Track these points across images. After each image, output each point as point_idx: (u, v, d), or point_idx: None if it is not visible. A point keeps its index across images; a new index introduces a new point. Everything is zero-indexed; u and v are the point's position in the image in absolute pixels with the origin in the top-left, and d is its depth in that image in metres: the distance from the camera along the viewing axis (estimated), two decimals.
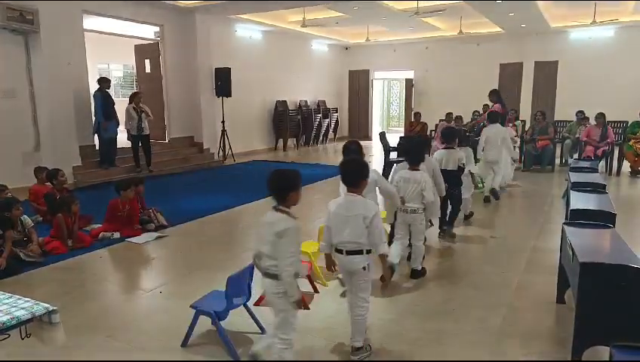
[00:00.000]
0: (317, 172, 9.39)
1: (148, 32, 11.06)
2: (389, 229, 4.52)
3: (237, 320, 3.29)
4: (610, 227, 3.48)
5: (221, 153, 11.67)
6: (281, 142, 14.28)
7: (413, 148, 4.30)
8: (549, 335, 3.28)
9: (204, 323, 3.12)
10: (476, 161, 7.02)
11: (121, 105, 9.43)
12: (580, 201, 4.28)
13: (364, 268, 2.87)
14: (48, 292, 4.06)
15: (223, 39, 12.04)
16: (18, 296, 2.52)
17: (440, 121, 11.33)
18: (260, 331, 3.27)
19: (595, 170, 6.41)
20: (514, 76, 14.81)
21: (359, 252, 2.84)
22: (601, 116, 9.58)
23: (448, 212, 5.41)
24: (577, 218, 3.80)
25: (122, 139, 9.51)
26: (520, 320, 3.49)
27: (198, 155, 11.12)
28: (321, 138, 15.83)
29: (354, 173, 2.94)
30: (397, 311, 3.62)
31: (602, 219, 3.70)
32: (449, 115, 10.66)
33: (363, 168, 2.96)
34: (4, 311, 2.32)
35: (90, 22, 9.60)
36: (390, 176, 5.29)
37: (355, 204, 2.86)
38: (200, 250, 5.25)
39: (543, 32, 13.71)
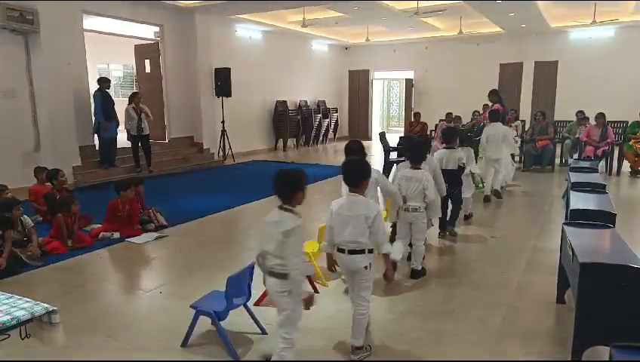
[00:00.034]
0: (317, 172, 9.39)
1: (148, 32, 11.06)
2: (389, 228, 4.53)
3: (237, 320, 3.29)
4: (610, 227, 3.48)
5: (221, 153, 11.67)
6: (281, 142, 14.28)
7: (415, 147, 4.33)
8: (549, 335, 3.28)
9: (204, 323, 3.12)
10: (477, 159, 7.05)
11: (120, 106, 9.43)
12: (580, 201, 4.28)
13: (365, 268, 2.88)
14: (48, 292, 4.06)
15: (223, 39, 12.04)
16: (18, 296, 2.52)
17: (440, 121, 11.33)
18: (260, 331, 3.27)
19: (595, 170, 6.41)
20: (514, 76, 14.81)
21: (361, 251, 2.85)
22: (601, 116, 9.59)
23: (449, 212, 5.42)
24: (577, 218, 3.80)
25: (122, 140, 9.52)
26: (520, 320, 3.49)
27: (198, 155, 11.12)
28: (321, 138, 15.84)
29: (356, 173, 2.96)
30: (397, 311, 3.62)
31: (602, 219, 3.69)
32: (449, 114, 10.67)
33: (365, 168, 2.99)
34: (3, 312, 2.32)
35: (90, 22, 9.60)
36: (392, 175, 5.30)
37: (356, 204, 2.88)
38: (200, 250, 5.25)
39: (543, 32, 13.71)
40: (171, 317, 3.55)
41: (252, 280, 3.26)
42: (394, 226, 4.51)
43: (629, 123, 9.92)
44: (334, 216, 2.93)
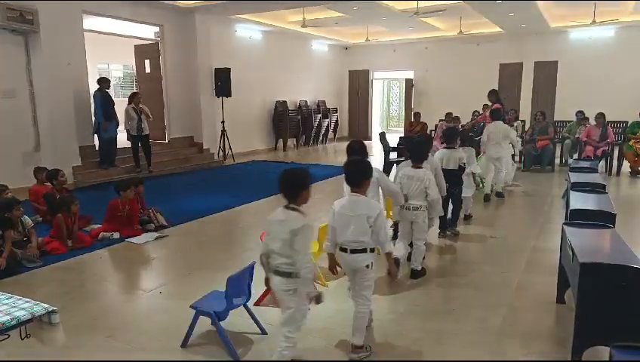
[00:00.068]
0: (317, 172, 9.38)
1: (148, 32, 11.06)
2: (390, 227, 4.56)
3: (237, 320, 3.29)
4: (610, 227, 3.48)
5: (221, 153, 11.67)
6: (281, 142, 14.28)
7: (416, 146, 4.37)
8: (549, 335, 3.28)
9: (204, 323, 3.12)
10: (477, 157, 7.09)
11: (120, 106, 9.43)
12: (580, 201, 4.28)
13: (367, 266, 2.90)
14: (48, 292, 4.06)
15: (223, 39, 12.05)
16: (18, 297, 2.52)
17: (440, 120, 11.33)
18: (260, 331, 3.27)
19: (594, 170, 6.41)
20: (514, 76, 14.81)
21: (363, 250, 2.88)
22: (600, 116, 9.59)
23: (449, 211, 5.44)
24: (577, 218, 3.80)
25: (122, 140, 9.52)
26: (520, 320, 3.49)
27: (198, 155, 11.12)
28: (320, 138, 15.83)
29: (357, 173, 2.99)
30: (397, 311, 3.62)
31: (602, 219, 3.70)
32: (449, 114, 10.67)
33: (366, 168, 3.03)
34: (3, 312, 2.32)
35: (89, 22, 9.61)
36: (392, 175, 5.32)
37: (358, 204, 2.90)
38: (200, 250, 5.25)
39: (542, 32, 13.71)
40: (171, 317, 3.55)
41: (252, 280, 3.26)
42: (395, 226, 4.55)
43: (629, 123, 9.92)
44: (337, 216, 2.95)
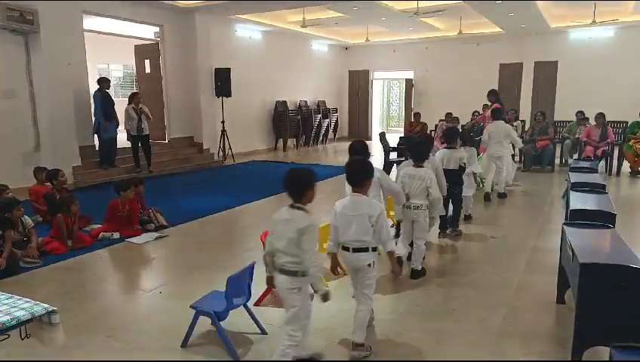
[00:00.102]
0: (317, 172, 9.34)
1: (148, 32, 11.07)
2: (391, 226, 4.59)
3: (237, 320, 3.29)
4: (610, 227, 3.48)
5: (221, 153, 11.67)
6: (281, 142, 14.28)
7: (417, 145, 4.42)
8: (549, 336, 3.28)
9: (204, 323, 3.12)
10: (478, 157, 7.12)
11: (121, 106, 9.43)
12: (580, 202, 4.28)
13: (369, 265, 2.93)
14: (48, 292, 4.06)
15: (223, 39, 12.04)
16: (18, 297, 2.52)
17: (440, 121, 11.34)
18: (260, 331, 3.27)
19: (594, 171, 6.41)
20: (514, 76, 14.81)
21: (365, 249, 2.91)
22: (600, 116, 9.59)
23: (450, 211, 5.48)
24: (577, 218, 3.80)
25: (122, 140, 9.52)
26: (520, 320, 3.49)
27: (198, 155, 11.12)
28: (320, 138, 15.83)
29: (358, 173, 3.02)
30: (397, 311, 3.62)
31: (602, 219, 3.70)
32: (449, 114, 10.67)
33: (367, 168, 3.06)
34: (3, 312, 2.32)
35: (90, 22, 9.60)
36: (392, 175, 5.34)
37: (360, 204, 2.93)
38: (200, 250, 5.25)
39: (542, 32, 13.71)
40: (171, 317, 3.55)
41: (252, 280, 3.26)
42: (397, 225, 4.59)
43: (629, 123, 9.92)
44: (338, 216, 2.98)
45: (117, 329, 3.38)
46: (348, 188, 3.17)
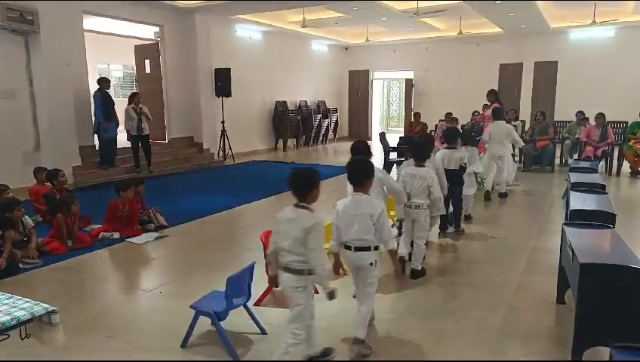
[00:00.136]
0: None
1: (148, 32, 11.07)
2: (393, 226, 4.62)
3: (237, 320, 3.29)
4: (610, 227, 3.48)
5: (221, 153, 11.67)
6: (281, 142, 14.28)
7: (419, 145, 4.45)
8: (549, 336, 3.28)
9: (204, 323, 3.12)
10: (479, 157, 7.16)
11: (120, 106, 9.43)
12: (580, 202, 4.28)
13: (371, 264, 2.96)
14: (48, 292, 4.06)
15: (223, 39, 12.04)
16: (18, 297, 2.52)
17: (440, 121, 11.34)
18: (259, 331, 3.27)
19: (594, 171, 6.42)
20: (514, 76, 14.81)
21: (367, 248, 2.93)
22: (600, 116, 9.59)
23: (450, 211, 5.50)
24: (577, 218, 3.80)
25: (122, 140, 9.52)
26: (520, 320, 3.49)
27: (198, 155, 11.12)
28: (320, 138, 15.82)
29: (359, 172, 3.06)
30: (397, 311, 3.62)
31: (602, 219, 3.70)
32: (449, 115, 10.67)
33: (368, 168, 3.09)
34: (3, 312, 2.32)
35: (90, 22, 9.61)
36: (397, 174, 5.38)
37: (361, 203, 2.96)
38: (200, 250, 5.25)
39: (542, 33, 13.71)
40: (171, 317, 3.54)
41: (252, 280, 3.26)
42: (400, 224, 4.62)
43: (629, 123, 9.91)
44: (340, 216, 3.00)
45: (117, 329, 3.38)
46: (349, 187, 3.20)
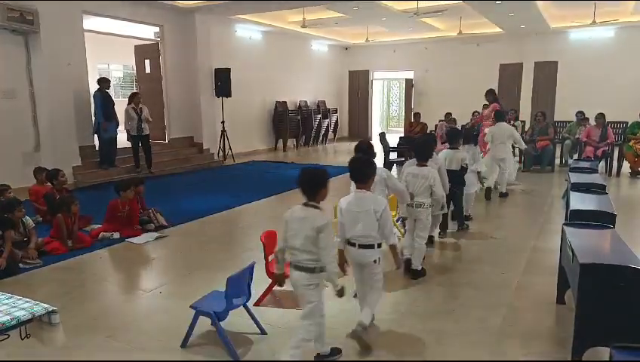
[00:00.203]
0: None
1: (148, 32, 11.07)
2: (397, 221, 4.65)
3: (237, 320, 3.29)
4: (610, 227, 3.48)
5: (221, 153, 11.67)
6: (281, 142, 14.28)
7: (421, 145, 4.50)
8: (549, 336, 3.28)
9: (204, 323, 3.12)
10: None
11: (120, 106, 9.43)
12: (580, 202, 4.28)
13: (374, 261, 3.00)
14: (48, 292, 4.06)
15: (223, 39, 12.05)
16: (18, 296, 2.52)
17: (440, 121, 11.34)
18: (259, 331, 3.26)
19: (594, 171, 6.41)
20: (514, 76, 14.81)
21: (370, 246, 2.98)
22: (601, 117, 9.59)
23: (451, 211, 5.53)
24: (577, 218, 3.80)
25: (122, 140, 9.52)
26: (520, 320, 3.49)
27: (198, 155, 11.12)
28: (320, 138, 15.82)
29: (362, 170, 3.11)
30: (397, 311, 3.62)
31: (602, 219, 3.70)
32: (448, 115, 10.67)
33: (369, 166, 3.16)
34: (3, 312, 2.32)
35: (89, 22, 9.61)
36: (400, 173, 5.40)
37: (364, 200, 3.01)
38: (200, 250, 5.25)
39: (542, 33, 13.71)
40: (171, 317, 3.54)
41: (252, 280, 3.26)
42: (403, 221, 4.66)
43: (629, 123, 9.91)
44: (344, 213, 3.05)
45: (117, 329, 3.38)
46: (353, 186, 3.24)
